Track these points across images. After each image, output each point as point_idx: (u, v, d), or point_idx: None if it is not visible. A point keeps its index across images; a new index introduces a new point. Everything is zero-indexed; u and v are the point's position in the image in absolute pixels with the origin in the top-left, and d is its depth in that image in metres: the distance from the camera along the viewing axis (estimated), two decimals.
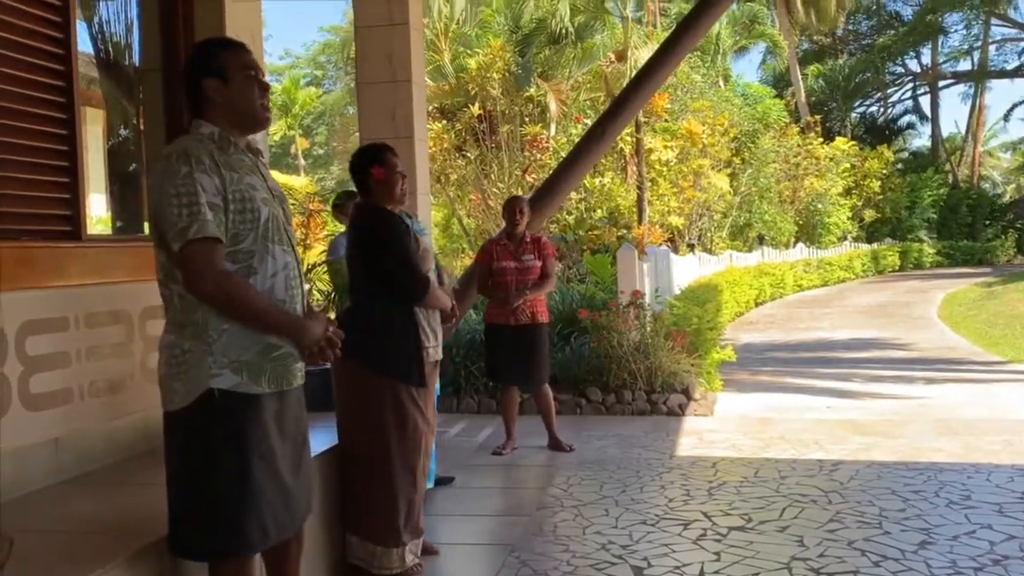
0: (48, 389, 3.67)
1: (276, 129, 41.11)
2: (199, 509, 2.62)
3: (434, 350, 4.19)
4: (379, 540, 4.03)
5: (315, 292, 10.52)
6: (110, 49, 5.11)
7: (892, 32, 42.87)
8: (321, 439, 4.20)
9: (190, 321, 2.59)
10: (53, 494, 3.57)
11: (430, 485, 5.51)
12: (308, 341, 2.68)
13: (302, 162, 41.76)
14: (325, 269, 9.83)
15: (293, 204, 12.89)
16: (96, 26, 5.06)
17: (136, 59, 5.10)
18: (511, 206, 6.67)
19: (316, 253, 11.79)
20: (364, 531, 4.08)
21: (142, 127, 5.12)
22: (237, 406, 2.59)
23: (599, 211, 18.33)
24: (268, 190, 2.73)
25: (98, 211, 5.22)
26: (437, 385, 5.54)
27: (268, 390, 2.64)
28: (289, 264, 2.72)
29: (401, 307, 4.02)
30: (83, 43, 4.64)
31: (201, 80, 2.68)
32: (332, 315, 6.67)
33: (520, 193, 16.95)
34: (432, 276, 4.22)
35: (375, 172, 4.03)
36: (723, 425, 7.47)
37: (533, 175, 17.74)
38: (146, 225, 5.11)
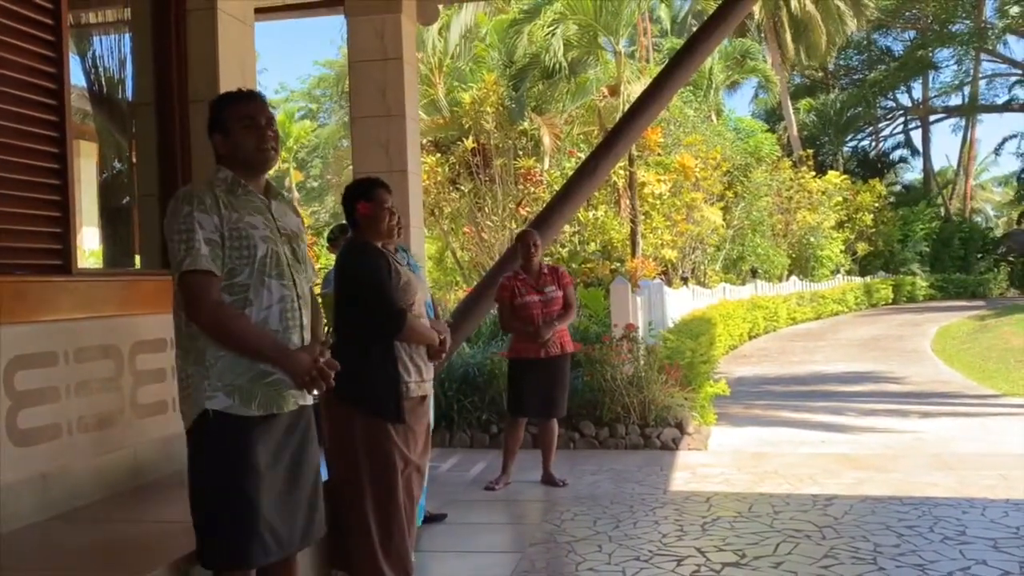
0: (37, 424, 3.64)
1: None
2: (206, 521, 2.85)
3: (416, 385, 4.12)
4: (361, 573, 4.00)
5: None
6: (103, 83, 5.14)
7: (883, 67, 43.25)
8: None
9: (193, 347, 2.85)
10: (41, 530, 3.54)
11: (418, 523, 5.47)
12: (295, 371, 2.86)
13: (296, 195, 41.78)
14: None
15: None
16: (89, 60, 5.09)
17: (129, 93, 5.12)
18: (525, 240, 6.64)
19: None
20: (347, 565, 4.07)
21: (135, 160, 5.13)
22: (229, 426, 2.81)
23: (592, 244, 18.36)
24: (276, 229, 2.97)
25: (90, 244, 5.22)
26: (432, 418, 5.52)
27: (258, 413, 2.85)
28: (286, 297, 2.93)
29: (379, 342, 4.00)
30: (76, 77, 4.66)
31: (211, 136, 3.01)
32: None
33: (514, 226, 17.02)
34: (421, 309, 4.19)
35: (361, 207, 4.06)
36: (717, 459, 7.43)
37: (527, 208, 17.79)
38: (137, 259, 5.11)
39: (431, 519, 5.61)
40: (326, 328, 3.74)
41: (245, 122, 2.96)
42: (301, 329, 2.97)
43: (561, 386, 6.60)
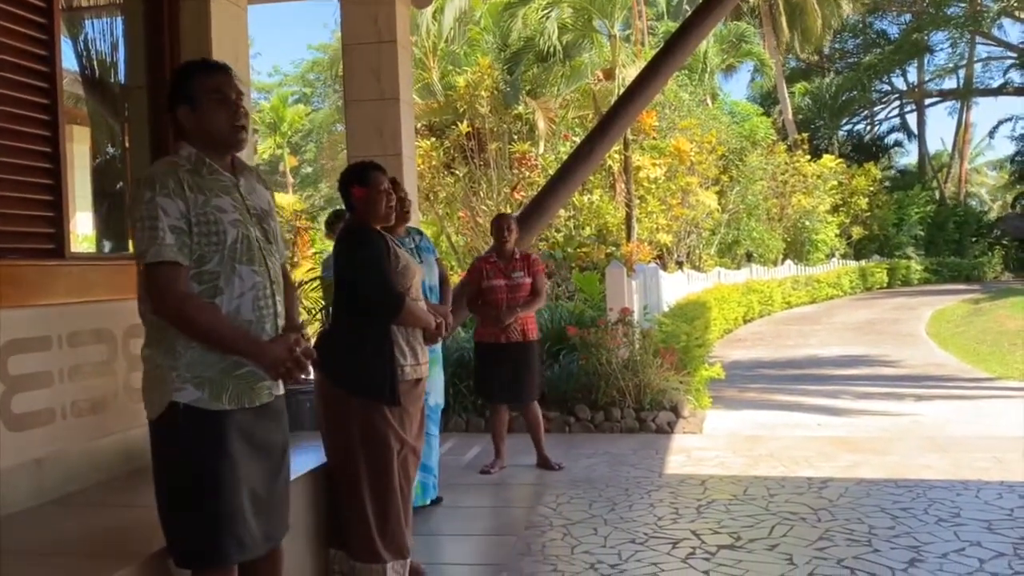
0: (30, 409, 3.63)
1: (264, 147, 41.12)
2: (176, 517, 2.71)
3: (412, 368, 4.11)
4: (357, 556, 4.01)
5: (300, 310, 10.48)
6: (95, 67, 5.10)
7: (878, 51, 43.20)
8: (313, 456, 4.19)
9: (164, 337, 2.69)
10: (35, 515, 3.53)
11: (427, 502, 5.48)
12: (267, 363, 2.73)
13: (290, 180, 41.72)
14: (313, 287, 9.82)
15: (281, 222, 12.84)
16: (81, 44, 5.05)
17: (122, 77, 5.09)
18: (499, 223, 6.65)
19: (304, 271, 11.77)
20: (346, 546, 4.09)
21: (128, 144, 5.10)
22: (198, 420, 2.66)
23: (588, 228, 18.34)
24: (246, 210, 2.80)
25: (83, 229, 5.19)
26: (437, 400, 5.53)
27: (229, 407, 2.70)
28: (258, 284, 2.78)
29: (374, 325, 4.00)
30: (68, 61, 4.62)
31: (175, 107, 2.79)
32: (315, 332, 6.64)
33: (509, 210, 16.98)
34: (418, 293, 4.19)
35: (355, 191, 4.05)
36: (712, 443, 7.45)
37: (522, 193, 17.75)
38: (131, 243, 5.09)
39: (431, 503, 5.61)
40: (316, 312, 3.74)
41: (216, 96, 2.76)
42: (275, 317, 2.83)
43: (526, 372, 6.56)
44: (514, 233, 6.62)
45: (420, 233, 5.60)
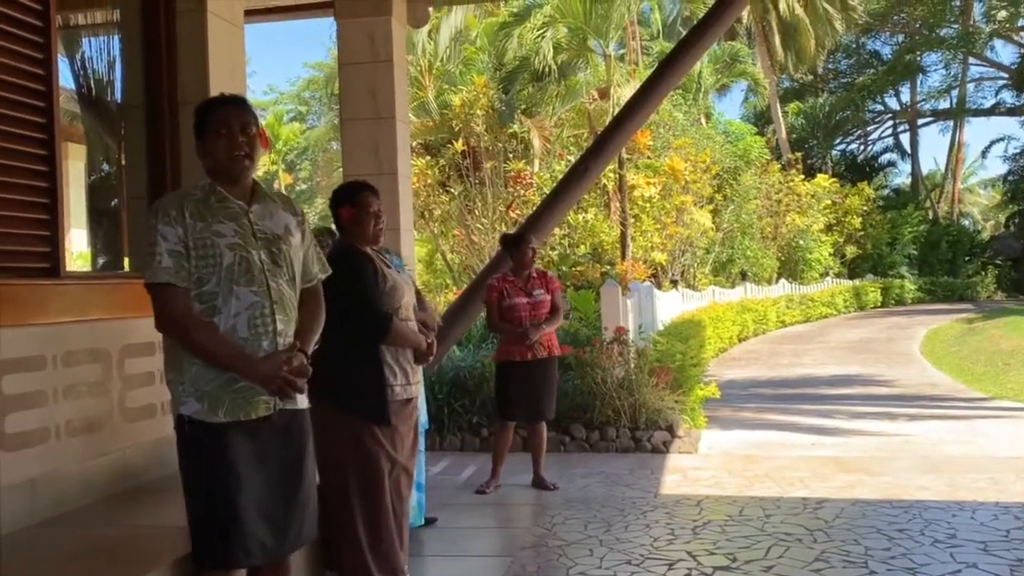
0: (24, 429, 3.62)
1: (259, 164, 41.04)
2: (191, 520, 2.90)
3: (402, 388, 4.11)
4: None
5: None
6: (92, 85, 5.11)
7: (871, 71, 43.36)
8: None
9: (173, 353, 2.92)
10: (29, 536, 3.51)
11: (420, 522, 5.45)
12: (257, 380, 2.88)
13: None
14: None
15: None
16: (78, 62, 5.06)
17: (118, 95, 5.09)
18: (526, 245, 6.65)
19: None
20: (338, 567, 4.07)
21: (123, 162, 5.10)
22: (201, 432, 2.86)
23: (583, 247, 18.35)
24: (252, 234, 2.96)
25: (79, 247, 5.19)
26: (422, 420, 5.50)
27: (224, 419, 2.86)
28: (256, 304, 2.92)
29: (363, 345, 3.99)
30: (65, 78, 4.63)
31: (196, 140, 3.03)
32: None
33: (504, 228, 16.99)
34: (409, 313, 4.18)
35: (344, 212, 4.10)
36: (707, 462, 7.44)
37: (517, 211, 17.77)
38: (126, 261, 5.08)
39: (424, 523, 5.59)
40: None
41: (221, 129, 2.97)
42: (274, 335, 2.95)
43: (549, 389, 6.60)
44: (537, 254, 6.71)
45: (388, 252, 5.56)
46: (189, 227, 2.86)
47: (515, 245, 6.71)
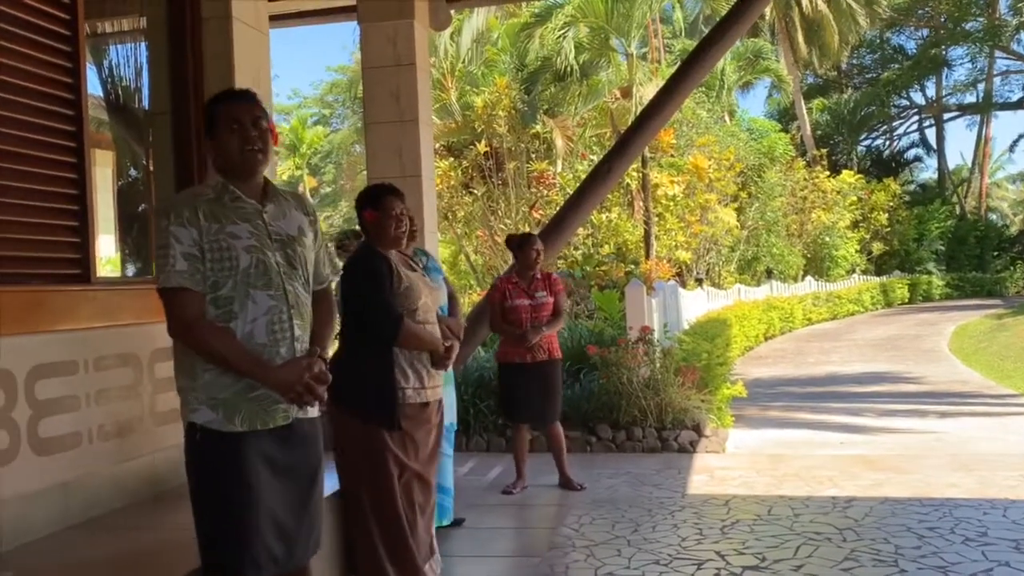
0: (57, 433, 3.66)
1: (284, 168, 41.39)
2: (200, 530, 2.79)
3: (415, 392, 4.05)
4: None
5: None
6: (120, 92, 5.16)
7: (896, 66, 43.07)
8: (334, 479, 4.19)
9: (185, 360, 2.80)
10: (61, 540, 3.55)
11: (446, 523, 5.46)
12: (276, 386, 2.76)
13: (310, 201, 41.95)
14: None
15: None
16: (106, 70, 5.11)
17: (146, 102, 5.14)
18: (531, 246, 6.62)
19: None
20: (359, 571, 4.09)
21: (151, 169, 5.15)
22: (214, 441, 2.74)
23: (607, 247, 18.33)
24: (267, 236, 2.85)
25: (107, 252, 5.24)
26: (450, 420, 5.50)
27: (241, 428, 2.74)
28: (274, 308, 2.80)
29: (375, 348, 3.98)
30: (93, 86, 4.68)
31: (205, 138, 2.93)
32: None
33: (527, 229, 17.00)
34: (429, 315, 4.16)
35: (367, 215, 4.09)
36: (735, 462, 7.41)
37: (540, 211, 17.79)
38: (155, 266, 5.12)
39: (450, 523, 5.60)
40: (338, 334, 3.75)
41: (231, 124, 2.85)
42: (292, 340, 2.84)
43: (551, 392, 6.56)
44: (542, 256, 6.66)
45: (426, 254, 5.57)
46: (204, 229, 2.74)
47: (520, 247, 6.70)
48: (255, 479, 2.74)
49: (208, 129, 2.89)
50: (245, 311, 2.76)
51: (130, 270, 5.30)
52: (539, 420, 6.67)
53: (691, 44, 22.50)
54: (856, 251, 31.27)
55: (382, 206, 4.07)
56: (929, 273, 36.25)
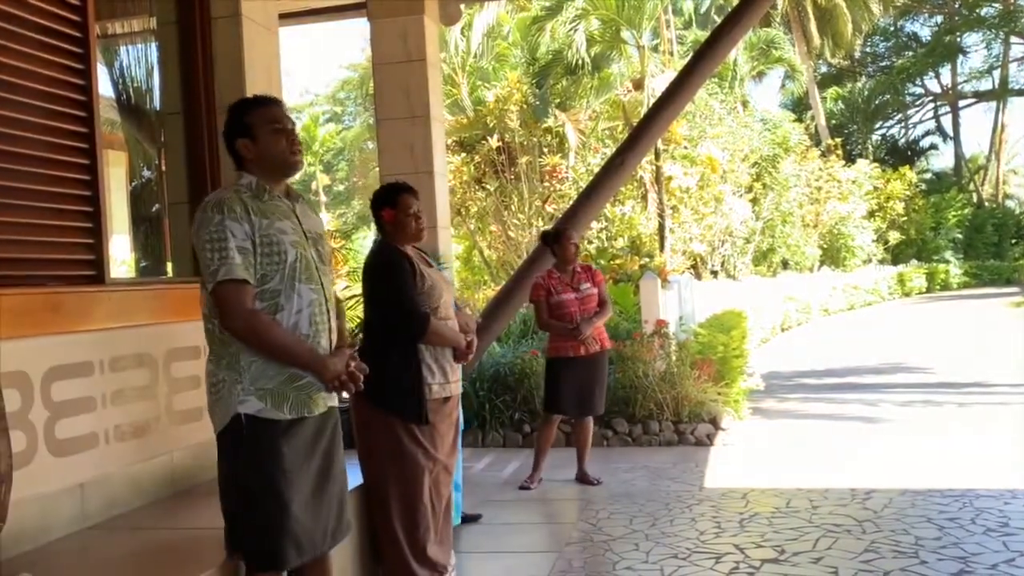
0: (74, 434, 3.66)
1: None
2: (239, 521, 2.91)
3: (440, 387, 4.13)
4: (393, 573, 4.05)
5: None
6: (132, 93, 5.17)
7: (910, 53, 42.79)
8: (357, 473, 4.20)
9: (227, 353, 2.89)
10: (79, 541, 3.56)
11: (457, 521, 5.46)
12: (328, 376, 2.93)
13: (323, 198, 42.03)
14: (350, 305, 9.87)
15: None
16: (117, 70, 5.12)
17: (157, 103, 5.15)
18: (568, 240, 6.62)
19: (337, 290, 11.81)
20: (380, 564, 4.15)
21: (164, 169, 5.16)
22: (261, 430, 2.85)
23: (620, 240, 18.28)
24: (303, 233, 3.01)
25: (121, 253, 5.25)
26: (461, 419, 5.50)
27: (289, 416, 2.89)
28: (315, 301, 2.96)
29: (401, 343, 4.03)
30: (105, 87, 4.69)
31: (234, 141, 3.01)
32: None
33: (541, 224, 16.99)
34: (448, 312, 4.20)
35: (385, 214, 4.18)
36: (752, 455, 7.38)
37: (553, 205, 17.74)
38: (169, 266, 5.14)
39: (466, 519, 5.61)
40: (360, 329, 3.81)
41: (275, 127, 2.99)
42: (330, 332, 3.02)
43: (600, 384, 6.61)
44: (579, 248, 6.72)
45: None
46: (255, 223, 2.87)
47: (556, 240, 6.68)
48: (296, 464, 2.88)
49: (240, 130, 2.99)
50: (291, 303, 2.90)
51: (144, 270, 5.31)
52: (587, 412, 6.65)
53: (703, 35, 22.39)
54: (872, 241, 31.08)
55: (400, 204, 4.16)
56: (946, 262, 36.02)
